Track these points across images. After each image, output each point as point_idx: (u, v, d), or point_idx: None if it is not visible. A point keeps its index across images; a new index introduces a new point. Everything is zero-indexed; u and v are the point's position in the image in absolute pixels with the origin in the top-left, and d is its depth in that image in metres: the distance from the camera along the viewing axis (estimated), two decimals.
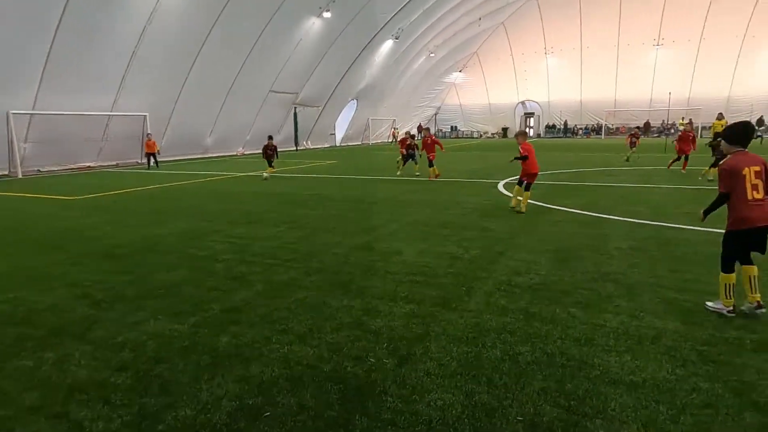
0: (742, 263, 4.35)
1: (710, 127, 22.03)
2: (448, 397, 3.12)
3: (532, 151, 9.71)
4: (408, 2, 32.93)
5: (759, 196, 4.14)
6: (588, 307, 4.58)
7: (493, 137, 53.54)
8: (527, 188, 9.58)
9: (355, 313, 4.53)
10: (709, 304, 4.46)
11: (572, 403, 3.04)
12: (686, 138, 16.19)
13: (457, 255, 6.46)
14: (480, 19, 43.73)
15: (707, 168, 14.04)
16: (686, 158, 15.98)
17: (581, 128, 51.94)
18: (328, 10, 28.17)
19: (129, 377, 3.46)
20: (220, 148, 29.41)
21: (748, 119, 4.30)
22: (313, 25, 28.98)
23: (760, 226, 4.15)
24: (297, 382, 3.35)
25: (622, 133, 49.16)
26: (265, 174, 16.42)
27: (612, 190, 12.25)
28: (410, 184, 14.23)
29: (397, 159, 17.73)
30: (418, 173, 16.42)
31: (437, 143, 15.67)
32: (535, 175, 9.76)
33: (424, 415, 2.95)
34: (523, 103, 54.33)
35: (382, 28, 34.46)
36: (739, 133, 4.30)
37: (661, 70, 46.86)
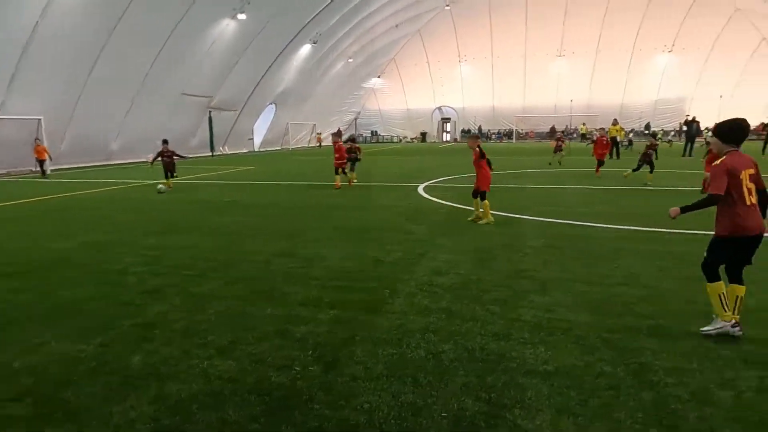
0: (731, 280, 3.99)
1: (607, 132, 24.02)
2: (374, 400, 3.14)
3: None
4: (325, 7, 32.91)
5: (754, 200, 3.82)
6: (505, 303, 4.81)
7: (413, 142, 54.79)
8: (483, 197, 8.87)
9: (278, 321, 4.43)
10: (706, 329, 3.95)
11: (492, 395, 3.17)
12: (601, 143, 16.92)
13: (380, 258, 6.52)
14: (397, 26, 44.69)
15: (648, 174, 14.25)
16: (601, 163, 16.66)
17: (494, 133, 54.57)
18: (242, 12, 27.40)
19: (28, 406, 3.14)
20: (128, 155, 27.49)
21: (739, 118, 3.95)
22: (228, 26, 28.09)
23: (754, 235, 3.81)
24: (218, 397, 3.21)
25: (531, 137, 52.32)
26: (161, 186, 13.99)
27: (525, 192, 12.98)
28: (332, 189, 14.19)
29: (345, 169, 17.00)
30: (355, 180, 15.60)
31: (343, 149, 14.86)
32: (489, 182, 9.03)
33: (352, 419, 2.95)
34: (440, 108, 56.13)
35: (299, 33, 34.15)
36: (736, 131, 3.91)
37: (564, 79, 50.45)
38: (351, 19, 38.33)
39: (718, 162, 3.86)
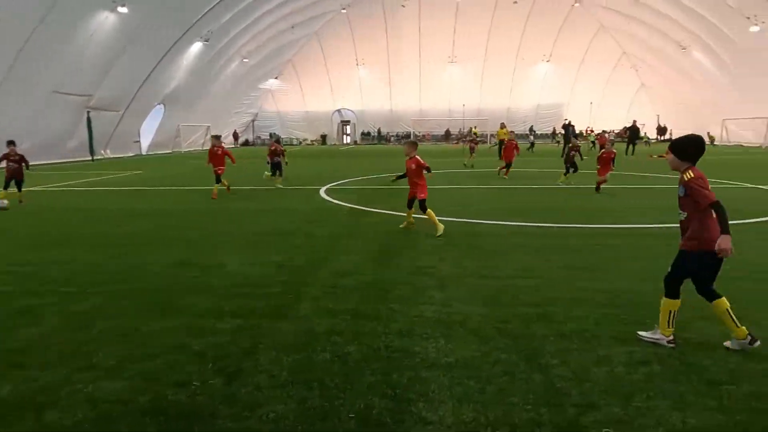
0: (710, 298, 3.80)
1: (495, 135, 25.76)
2: (280, 408, 3.07)
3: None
4: (216, 4, 31.58)
5: None
6: (407, 301, 4.95)
7: (313, 144, 54.43)
8: (424, 207, 8.09)
9: (175, 335, 4.17)
10: (643, 334, 3.96)
11: (398, 391, 3.25)
12: (510, 147, 17.30)
13: (283, 263, 6.40)
14: (293, 27, 44.11)
15: (562, 175, 15.31)
16: (509, 165, 16.94)
17: (393, 135, 55.94)
18: (123, 5, 25.36)
19: None
20: None
21: (696, 135, 3.76)
22: (107, 19, 25.86)
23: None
24: (106, 421, 2.95)
25: (428, 140, 54.31)
26: (4, 202, 11.22)
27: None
28: (231, 194, 13.65)
29: (266, 172, 16.03)
30: (281, 186, 14.71)
31: (228, 154, 13.28)
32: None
33: (256, 430, 2.86)
34: (339, 111, 56.36)
35: (189, 30, 32.41)
36: (698, 149, 3.77)
37: (456, 84, 53.12)
38: (245, 18, 37.18)
39: (692, 175, 3.69)
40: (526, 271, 5.89)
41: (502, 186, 14.84)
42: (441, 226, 7.87)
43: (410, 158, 8.25)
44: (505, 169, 16.93)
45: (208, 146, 45.38)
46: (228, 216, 10.15)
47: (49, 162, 26.28)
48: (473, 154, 22.53)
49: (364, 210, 10.51)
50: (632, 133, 30.40)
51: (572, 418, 2.93)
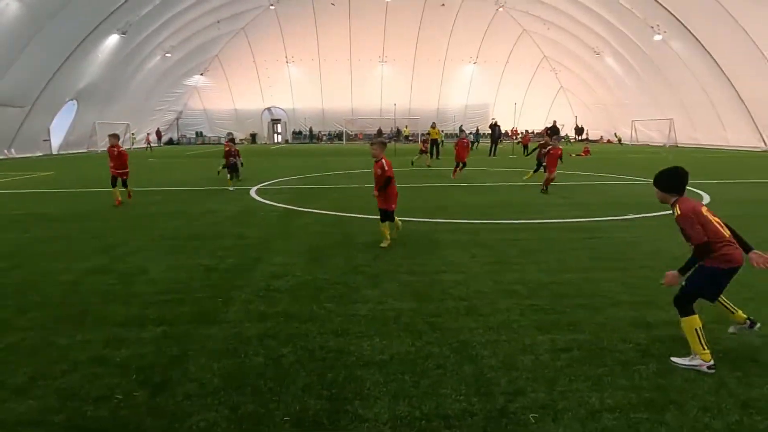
0: (685, 314, 3.62)
1: (427, 134, 26.33)
2: (212, 416, 2.97)
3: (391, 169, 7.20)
4: None
5: (728, 234, 3.58)
6: (341, 299, 4.95)
7: (242, 143, 52.88)
8: (390, 218, 7.25)
9: (93, 348, 3.91)
10: (678, 360, 3.59)
11: (333, 391, 3.25)
12: (462, 145, 16.61)
13: (211, 266, 6.18)
14: (219, 22, 42.60)
15: (529, 173, 15.71)
16: (462, 165, 16.38)
17: (325, 134, 55.55)
18: None
19: None
20: None
21: (675, 166, 3.46)
22: (7, 6, 23.68)
23: (738, 266, 3.53)
24: None
25: (360, 139, 54.40)
26: None
27: (353, 191, 13.46)
28: (151, 195, 12.96)
29: (218, 169, 14.80)
30: (232, 189, 13.74)
31: (123, 155, 11.58)
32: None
33: None
34: (269, 109, 55.14)
35: (104, 21, 30.37)
36: (680, 179, 3.67)
37: (387, 84, 53.59)
38: (166, 11, 35.40)
39: (679, 212, 3.59)
40: (452, 266, 6.07)
41: (431, 185, 15.16)
42: (388, 241, 7.13)
43: (377, 161, 7.17)
44: (459, 169, 16.36)
45: (128, 146, 43.07)
46: (151, 219, 9.64)
47: None
48: (426, 154, 22.46)
49: (297, 210, 10.37)
50: (552, 133, 32.16)
51: (502, 406, 3.06)
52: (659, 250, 6.82)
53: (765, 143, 32.55)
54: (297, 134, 55.78)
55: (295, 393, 3.23)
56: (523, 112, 52.41)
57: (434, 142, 25.68)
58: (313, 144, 52.83)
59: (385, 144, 7.40)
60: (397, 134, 53.19)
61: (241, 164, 14.89)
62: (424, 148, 22.65)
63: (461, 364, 3.59)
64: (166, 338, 4.07)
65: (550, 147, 13.75)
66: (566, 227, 8.58)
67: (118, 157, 11.49)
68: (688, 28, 33.00)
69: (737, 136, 34.15)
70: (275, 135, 56.21)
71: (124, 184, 11.53)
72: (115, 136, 11.84)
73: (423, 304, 4.81)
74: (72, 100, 34.63)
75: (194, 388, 3.29)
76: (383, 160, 7.12)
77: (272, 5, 44.57)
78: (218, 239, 7.73)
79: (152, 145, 43.85)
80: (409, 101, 54.41)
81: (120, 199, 11.36)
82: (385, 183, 7.08)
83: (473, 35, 50.19)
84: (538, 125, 50.84)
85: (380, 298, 4.97)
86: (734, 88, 32.70)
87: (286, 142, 54.74)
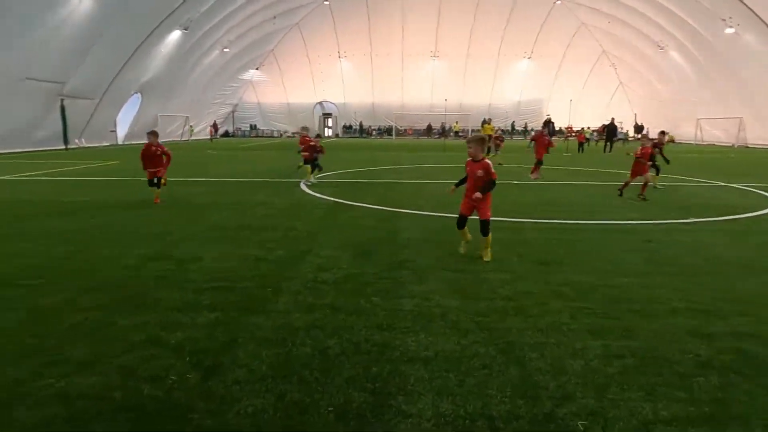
0: None
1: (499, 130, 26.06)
2: (259, 402, 3.05)
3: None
4: None
5: None
6: (387, 294, 4.96)
7: (294, 137, 54.00)
8: (486, 229, 6.17)
9: (150, 329, 4.10)
10: None
11: (377, 385, 3.26)
12: (543, 142, 15.61)
13: (261, 257, 6.34)
14: (275, 17, 43.59)
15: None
16: (539, 163, 15.40)
17: (375, 129, 55.83)
18: None
19: None
20: None
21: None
22: (80, 4, 25.14)
23: None
24: (79, 418, 2.89)
25: (409, 134, 54.30)
26: None
27: (402, 187, 13.46)
28: (204, 186, 13.45)
29: (300, 164, 14.47)
30: (310, 181, 13.65)
31: (166, 153, 10.59)
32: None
33: (234, 424, 2.84)
34: (321, 103, 56.01)
35: (168, 17, 31.74)
36: None
37: (438, 79, 53.20)
38: (225, 7, 36.60)
39: None
40: (499, 265, 5.94)
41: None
42: (490, 254, 6.22)
43: (476, 162, 6.07)
44: (537, 168, 15.38)
45: (186, 137, 44.73)
46: (203, 209, 10.01)
47: (18, 151, 25.53)
48: (498, 151, 22.11)
49: (346, 204, 10.48)
50: (609, 131, 30.93)
51: (549, 410, 2.97)
52: (720, 256, 6.43)
53: None
54: (347, 128, 56.39)
55: (339, 384, 3.27)
56: (579, 109, 50.68)
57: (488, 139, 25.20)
58: (362, 138, 53.21)
59: (484, 140, 6.29)
60: (443, 131, 52.66)
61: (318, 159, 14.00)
62: (497, 146, 22.05)
63: (507, 365, 3.52)
64: (218, 324, 4.21)
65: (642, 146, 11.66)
66: (621, 229, 8.23)
67: (158, 158, 10.39)
68: (764, 19, 30.78)
69: None
70: (326, 129, 57.03)
71: (158, 184, 10.54)
72: (154, 134, 10.59)
73: (470, 302, 4.74)
74: (136, 92, 36.45)
75: (243, 375, 3.39)
76: (486, 161, 6.10)
77: (326, 0, 45.13)
78: (268, 231, 7.93)
79: (214, 137, 45.49)
80: (461, 97, 53.78)
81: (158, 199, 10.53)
82: (489, 186, 6.06)
83: (529, 29, 48.97)
84: (596, 122, 49.00)
85: (426, 294, 4.94)
86: None
87: (337, 136, 55.44)
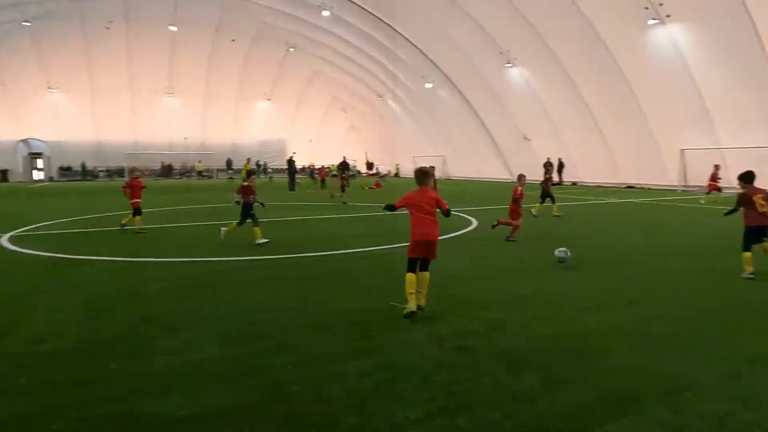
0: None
1: (242, 169, 25.59)
2: None
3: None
4: None
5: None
6: (132, 355, 4.32)
7: None
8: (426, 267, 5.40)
9: None
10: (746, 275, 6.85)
11: None
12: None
13: None
14: None
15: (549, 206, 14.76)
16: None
17: (102, 170, 49.17)
18: None
19: None
20: None
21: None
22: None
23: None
24: None
25: (146, 175, 49.56)
26: None
27: (134, 234, 12.11)
28: None
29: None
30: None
31: None
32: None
33: None
34: (26, 141, 46.56)
35: None
36: (749, 176, 7.00)
37: (176, 117, 50.30)
38: None
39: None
40: (262, 306, 5.87)
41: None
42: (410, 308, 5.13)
43: (425, 188, 5.46)
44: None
45: None
46: None
47: None
48: (344, 192, 22.26)
49: (69, 258, 8.82)
50: (342, 168, 34.14)
51: None
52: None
53: (511, 174, 39.91)
54: (65, 170, 48.10)
55: None
56: (317, 148, 54.60)
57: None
58: (87, 181, 46.19)
59: (427, 172, 5.59)
60: (184, 171, 49.98)
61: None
62: (342, 186, 22.70)
63: (274, 405, 3.44)
64: None
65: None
66: (366, 256, 9.05)
67: None
68: (451, 80, 38.93)
69: (492, 169, 40.96)
70: (35, 171, 47.54)
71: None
72: None
73: (228, 349, 4.50)
74: None
75: None
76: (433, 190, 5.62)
77: (27, 22, 38.31)
78: None
79: None
80: (202, 135, 52.00)
81: None
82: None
83: (266, 72, 50.80)
84: (334, 160, 53.47)
85: (181, 348, 4.49)
86: (488, 131, 39.40)
87: (51, 179, 46.75)
